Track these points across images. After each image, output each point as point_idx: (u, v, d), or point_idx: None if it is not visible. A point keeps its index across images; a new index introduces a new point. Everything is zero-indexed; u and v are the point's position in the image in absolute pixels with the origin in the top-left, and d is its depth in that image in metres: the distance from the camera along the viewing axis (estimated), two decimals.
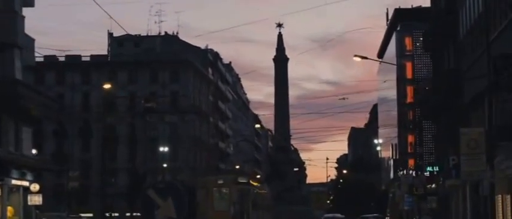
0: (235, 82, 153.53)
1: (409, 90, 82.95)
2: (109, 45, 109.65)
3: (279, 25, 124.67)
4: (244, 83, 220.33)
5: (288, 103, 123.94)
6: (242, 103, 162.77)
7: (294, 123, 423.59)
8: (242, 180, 46.54)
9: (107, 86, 66.10)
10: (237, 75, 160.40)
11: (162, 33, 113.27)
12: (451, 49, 50.09)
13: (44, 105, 43.67)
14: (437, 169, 57.12)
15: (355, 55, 50.03)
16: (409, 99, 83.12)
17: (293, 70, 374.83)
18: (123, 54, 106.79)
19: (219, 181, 46.19)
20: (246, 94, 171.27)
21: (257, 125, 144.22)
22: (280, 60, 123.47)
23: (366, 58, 50.30)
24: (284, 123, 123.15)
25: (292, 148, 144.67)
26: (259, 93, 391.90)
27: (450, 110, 49.72)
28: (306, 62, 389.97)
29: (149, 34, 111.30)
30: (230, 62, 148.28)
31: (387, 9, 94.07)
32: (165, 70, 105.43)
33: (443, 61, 53.80)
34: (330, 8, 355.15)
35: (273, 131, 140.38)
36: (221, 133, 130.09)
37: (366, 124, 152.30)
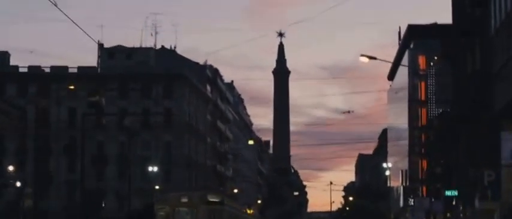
0: (237, 103, 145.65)
1: (423, 112, 78.04)
2: (99, 56, 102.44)
3: (280, 34, 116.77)
4: (252, 110, 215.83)
5: (289, 120, 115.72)
6: (244, 125, 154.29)
7: (299, 151, 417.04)
8: (213, 199, 38.13)
9: (71, 87, 58.55)
10: (240, 95, 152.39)
11: (158, 47, 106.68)
12: (477, 50, 43.48)
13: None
14: (455, 194, 50.36)
15: (362, 55, 44.00)
16: (422, 122, 77.65)
17: (302, 97, 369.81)
18: (113, 66, 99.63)
19: (183, 199, 37.87)
20: (249, 115, 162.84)
21: (250, 141, 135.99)
22: (281, 73, 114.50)
23: (374, 58, 43.57)
24: (284, 143, 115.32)
25: (293, 170, 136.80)
26: (265, 119, 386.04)
27: (474, 123, 42.74)
28: (315, 89, 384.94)
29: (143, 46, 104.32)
30: (232, 81, 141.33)
31: (399, 27, 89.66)
32: (158, 85, 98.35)
33: (466, 68, 46.86)
34: (341, 37, 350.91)
35: (273, 152, 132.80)
36: (220, 154, 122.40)
37: (374, 150, 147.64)
